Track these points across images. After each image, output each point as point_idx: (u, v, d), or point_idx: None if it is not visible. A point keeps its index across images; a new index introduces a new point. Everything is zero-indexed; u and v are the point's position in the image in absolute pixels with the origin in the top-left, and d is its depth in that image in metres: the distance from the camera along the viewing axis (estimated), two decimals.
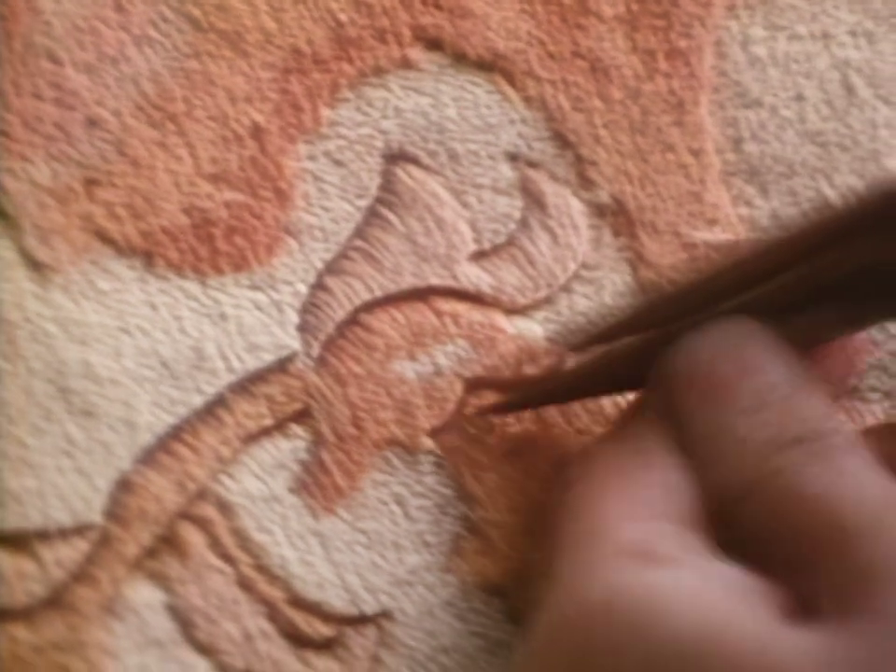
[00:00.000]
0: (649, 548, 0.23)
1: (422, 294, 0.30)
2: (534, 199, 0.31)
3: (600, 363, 0.28)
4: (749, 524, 0.24)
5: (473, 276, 0.31)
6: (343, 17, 0.31)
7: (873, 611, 0.21)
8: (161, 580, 0.29)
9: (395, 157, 0.31)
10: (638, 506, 0.25)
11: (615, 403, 0.30)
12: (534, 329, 0.30)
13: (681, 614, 0.22)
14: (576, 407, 0.30)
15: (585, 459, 0.27)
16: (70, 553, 0.29)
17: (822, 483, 0.23)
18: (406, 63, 0.31)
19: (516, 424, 0.30)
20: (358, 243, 0.31)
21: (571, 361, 0.30)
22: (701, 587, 0.23)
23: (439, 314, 0.30)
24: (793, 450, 0.24)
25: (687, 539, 0.24)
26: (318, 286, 0.30)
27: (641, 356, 0.27)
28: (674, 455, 0.25)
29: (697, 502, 0.25)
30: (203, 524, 0.29)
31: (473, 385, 0.30)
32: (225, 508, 0.30)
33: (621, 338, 0.28)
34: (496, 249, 0.31)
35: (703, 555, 0.24)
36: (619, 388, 0.29)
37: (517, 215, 0.31)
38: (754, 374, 0.25)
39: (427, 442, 0.30)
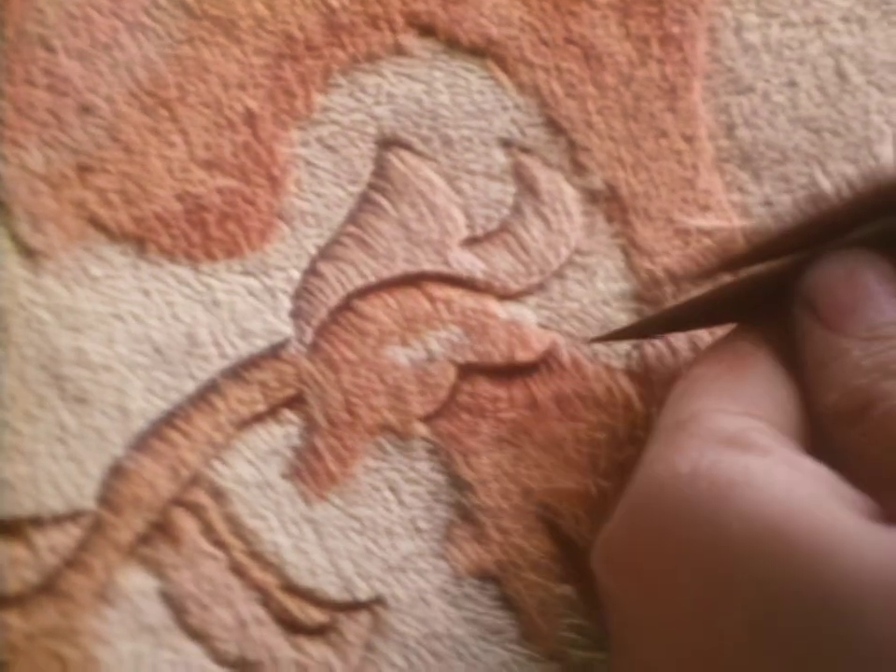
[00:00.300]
0: (742, 437, 0.24)
1: (415, 280, 0.30)
2: (527, 185, 0.31)
3: (728, 290, 0.29)
4: (851, 442, 0.25)
5: (466, 262, 0.30)
6: (335, 3, 0.31)
7: None
8: (154, 566, 0.29)
9: (388, 143, 0.31)
10: (738, 402, 0.26)
11: (608, 390, 0.30)
12: (526, 314, 0.30)
13: (767, 498, 0.23)
14: (568, 394, 0.30)
15: (691, 363, 0.28)
16: (63, 539, 0.29)
17: None
18: (399, 50, 0.31)
19: (509, 410, 0.30)
20: (351, 228, 0.31)
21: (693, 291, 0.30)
22: (792, 475, 0.23)
23: (432, 299, 0.30)
24: None
25: (780, 438, 0.25)
26: (311, 271, 0.30)
27: (767, 284, 0.28)
28: (780, 366, 0.27)
29: (798, 413, 0.26)
30: (196, 510, 0.29)
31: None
32: (218, 494, 0.30)
33: (748, 266, 0.29)
34: (488, 235, 0.31)
35: (795, 453, 0.25)
36: (739, 317, 0.29)
37: (510, 201, 0.31)
38: (868, 305, 0.26)
39: (420, 428, 0.30)
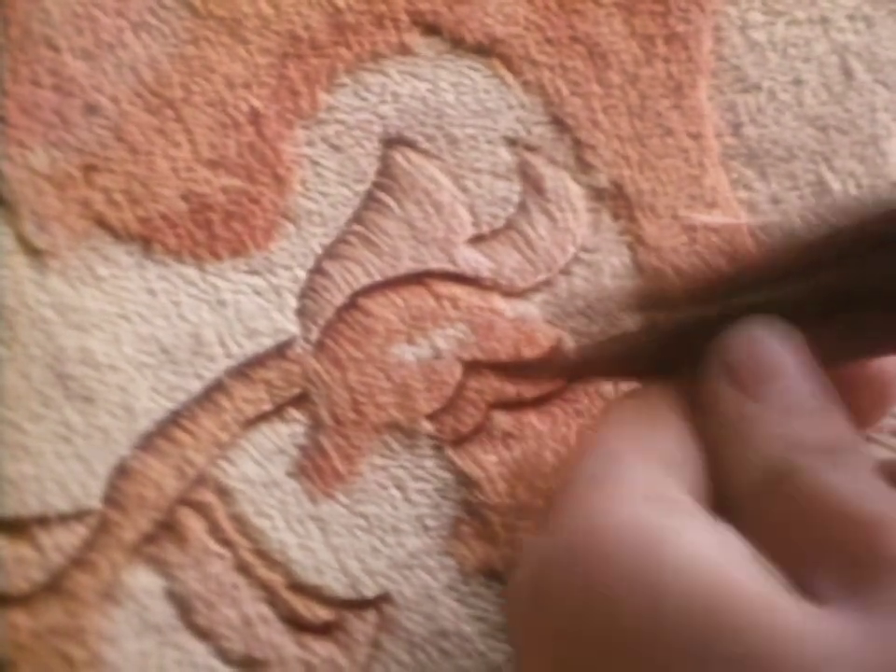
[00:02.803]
0: (665, 494, 0.24)
1: (420, 278, 0.31)
2: (532, 183, 0.31)
3: (636, 339, 0.29)
4: (761, 512, 0.25)
5: (472, 260, 0.31)
6: (340, 2, 0.31)
7: (883, 600, 0.22)
8: (160, 565, 0.29)
9: (393, 141, 0.31)
10: (653, 458, 0.25)
11: (616, 385, 0.30)
12: (533, 311, 0.30)
13: (695, 560, 0.22)
14: (575, 389, 0.30)
15: (604, 412, 0.28)
16: (69, 538, 0.29)
17: (839, 484, 0.24)
18: (404, 49, 0.31)
19: (516, 407, 0.30)
20: (357, 227, 0.31)
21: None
22: (716, 540, 0.23)
23: (437, 297, 0.31)
24: (816, 454, 0.25)
25: (695, 496, 0.25)
26: (317, 270, 0.31)
27: (673, 341, 0.28)
28: (690, 430, 0.26)
29: (707, 477, 0.26)
30: (202, 509, 0.30)
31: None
32: (224, 493, 0.30)
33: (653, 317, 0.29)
34: (494, 233, 0.31)
35: (713, 517, 0.24)
36: (649, 368, 0.29)
37: (516, 199, 0.31)
38: (786, 376, 0.26)
39: (427, 426, 0.30)
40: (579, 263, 0.31)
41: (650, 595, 0.22)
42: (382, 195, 0.31)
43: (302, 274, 0.30)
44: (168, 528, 0.30)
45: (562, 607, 0.24)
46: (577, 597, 0.23)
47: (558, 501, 0.25)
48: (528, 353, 0.30)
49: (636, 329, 0.28)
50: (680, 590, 0.22)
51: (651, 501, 0.24)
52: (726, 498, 0.26)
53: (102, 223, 0.30)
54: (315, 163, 0.31)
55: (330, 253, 0.31)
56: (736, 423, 0.26)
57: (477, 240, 0.31)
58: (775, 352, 0.26)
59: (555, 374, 0.30)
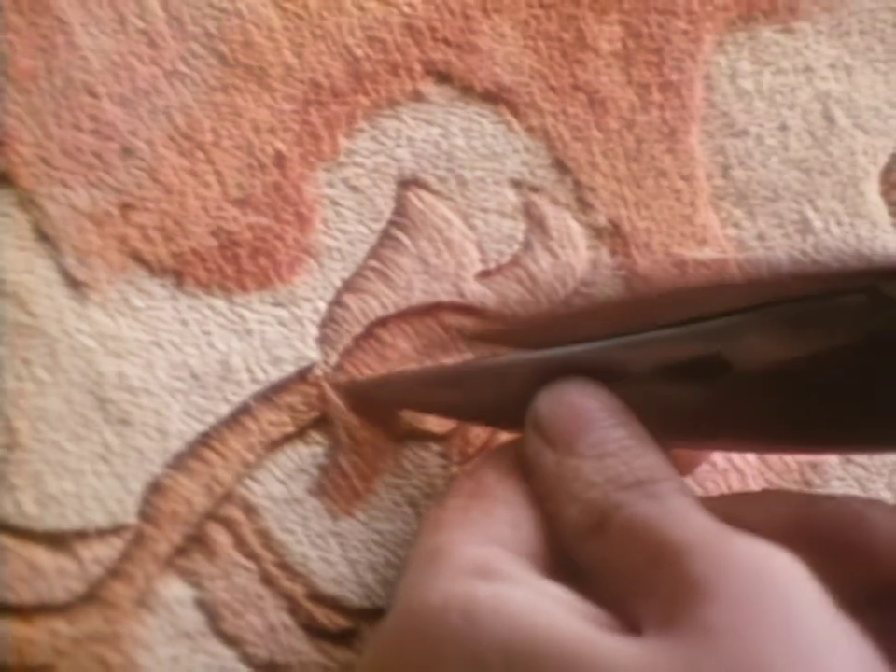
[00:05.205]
0: (486, 567, 0.25)
1: (431, 310, 0.32)
2: (536, 222, 0.32)
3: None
4: (591, 556, 0.26)
5: (479, 293, 0.32)
6: (359, 52, 0.33)
7: (690, 624, 0.22)
8: (190, 576, 0.30)
9: (407, 183, 0.32)
10: (480, 533, 0.26)
11: None
12: None
13: (510, 620, 0.23)
14: None
15: (441, 494, 0.29)
16: (106, 551, 0.30)
17: (654, 517, 0.25)
18: (418, 96, 0.33)
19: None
20: (374, 263, 0.32)
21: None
22: (532, 599, 0.24)
23: (446, 328, 0.32)
24: (631, 490, 0.26)
25: (523, 564, 0.26)
26: (336, 302, 0.32)
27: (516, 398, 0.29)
28: (520, 494, 0.27)
29: (540, 539, 0.27)
30: (229, 524, 0.31)
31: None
32: (250, 509, 0.31)
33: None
34: (500, 268, 0.32)
35: (537, 577, 0.25)
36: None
37: (521, 236, 0.32)
38: (593, 427, 0.27)
39: (436, 447, 0.31)
40: (578, 297, 0.32)
41: (472, 659, 0.23)
42: (397, 233, 0.32)
43: (323, 306, 0.32)
44: (198, 542, 0.30)
45: None
46: None
47: (397, 583, 0.26)
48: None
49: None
50: (501, 646, 0.23)
51: (475, 575, 0.24)
52: (563, 551, 0.27)
53: (138, 258, 0.31)
54: (336, 203, 0.32)
55: (349, 286, 0.32)
56: (556, 477, 0.27)
57: (484, 275, 0.32)
58: (584, 407, 0.27)
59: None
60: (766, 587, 0.22)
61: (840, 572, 0.26)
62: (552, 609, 0.23)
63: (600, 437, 0.27)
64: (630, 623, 0.24)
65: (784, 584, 0.23)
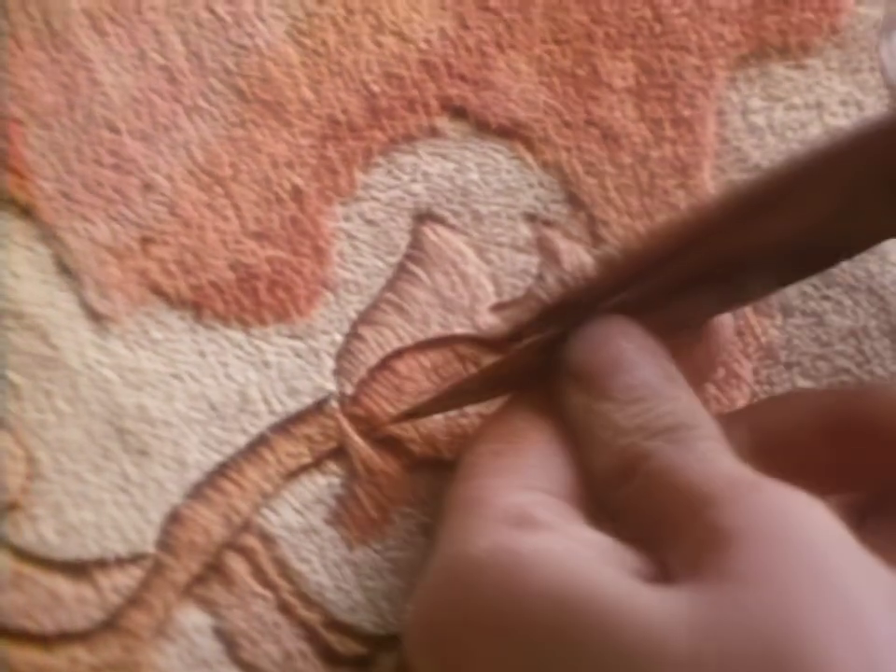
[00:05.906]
0: (525, 515, 0.25)
1: (447, 342, 0.32)
2: (550, 255, 0.33)
3: (498, 367, 0.30)
4: (622, 502, 0.26)
5: (494, 326, 0.32)
6: (375, 88, 0.33)
7: (719, 572, 0.22)
8: (208, 605, 0.31)
9: (423, 217, 0.33)
10: (517, 478, 0.26)
11: None
12: None
13: (551, 573, 0.23)
14: None
15: (472, 439, 0.29)
16: (126, 580, 0.31)
17: (682, 464, 0.25)
18: (433, 131, 0.33)
19: None
20: (389, 296, 0.32)
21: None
22: (571, 550, 0.24)
23: (461, 359, 0.32)
24: (660, 438, 0.26)
25: (561, 509, 0.26)
26: (353, 335, 0.32)
27: (536, 356, 0.29)
28: (553, 437, 0.27)
29: (574, 479, 0.27)
30: (247, 553, 0.31)
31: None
32: (267, 539, 0.31)
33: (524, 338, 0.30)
34: (515, 302, 0.33)
35: (575, 524, 0.25)
36: (515, 388, 0.30)
37: (534, 270, 0.33)
38: (624, 368, 0.27)
39: (451, 475, 0.32)
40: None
41: (515, 614, 0.23)
42: (412, 266, 0.32)
43: (339, 338, 0.32)
44: (216, 571, 0.31)
45: (443, 641, 0.25)
46: (450, 630, 0.24)
47: (436, 535, 0.26)
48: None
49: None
50: (543, 601, 0.23)
51: (515, 524, 0.25)
52: (596, 493, 0.27)
53: (157, 291, 0.32)
54: (352, 237, 0.32)
55: (365, 319, 0.32)
56: (586, 423, 0.27)
57: (499, 307, 0.33)
58: (613, 348, 0.27)
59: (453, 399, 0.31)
60: (791, 532, 0.23)
61: (871, 469, 0.27)
62: (591, 561, 0.24)
63: (630, 379, 0.27)
64: (661, 568, 0.24)
65: (808, 527, 0.23)
